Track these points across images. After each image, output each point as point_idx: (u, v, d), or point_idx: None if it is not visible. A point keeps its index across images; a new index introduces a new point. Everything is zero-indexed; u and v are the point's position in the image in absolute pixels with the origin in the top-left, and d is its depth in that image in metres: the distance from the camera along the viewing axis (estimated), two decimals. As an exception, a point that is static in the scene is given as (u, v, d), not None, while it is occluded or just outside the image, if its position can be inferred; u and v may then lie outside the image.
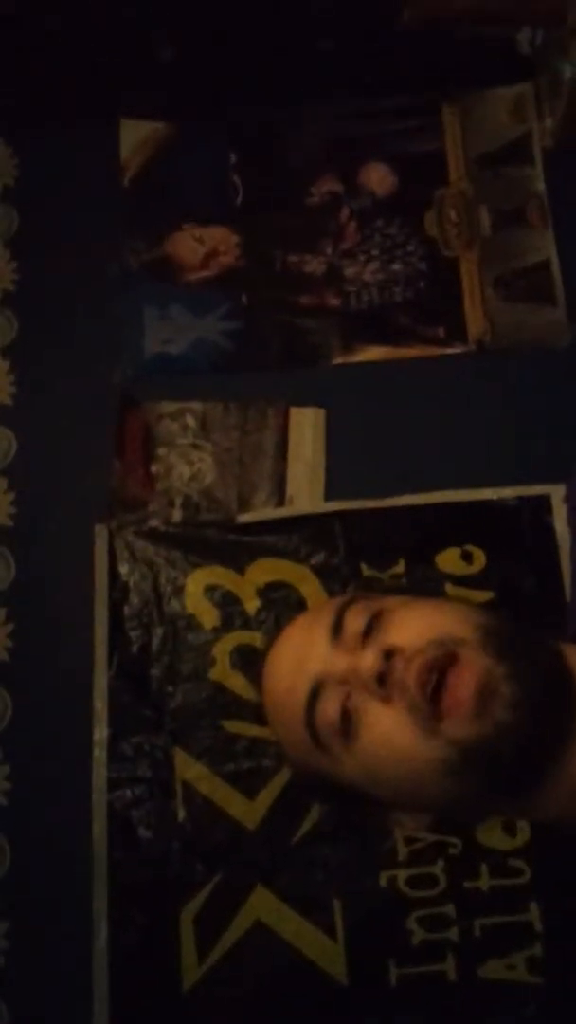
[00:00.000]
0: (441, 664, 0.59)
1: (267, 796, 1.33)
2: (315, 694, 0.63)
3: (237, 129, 1.82)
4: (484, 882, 1.32)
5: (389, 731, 0.60)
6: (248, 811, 1.32)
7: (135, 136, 1.83)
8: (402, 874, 1.32)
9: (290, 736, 0.67)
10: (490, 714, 0.58)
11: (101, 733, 1.37)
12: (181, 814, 1.33)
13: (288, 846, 1.31)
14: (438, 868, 1.32)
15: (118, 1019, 1.27)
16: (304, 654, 0.65)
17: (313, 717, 0.63)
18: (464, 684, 0.58)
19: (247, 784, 1.33)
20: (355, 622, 0.64)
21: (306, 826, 1.32)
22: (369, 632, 0.63)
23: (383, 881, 1.31)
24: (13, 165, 1.80)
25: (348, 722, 0.62)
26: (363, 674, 0.61)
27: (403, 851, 1.32)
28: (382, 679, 0.60)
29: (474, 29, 1.77)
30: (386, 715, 0.61)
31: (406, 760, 0.60)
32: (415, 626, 0.63)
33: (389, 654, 0.60)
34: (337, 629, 0.64)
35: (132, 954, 1.29)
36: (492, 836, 1.32)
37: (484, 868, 1.32)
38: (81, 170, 1.76)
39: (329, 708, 0.62)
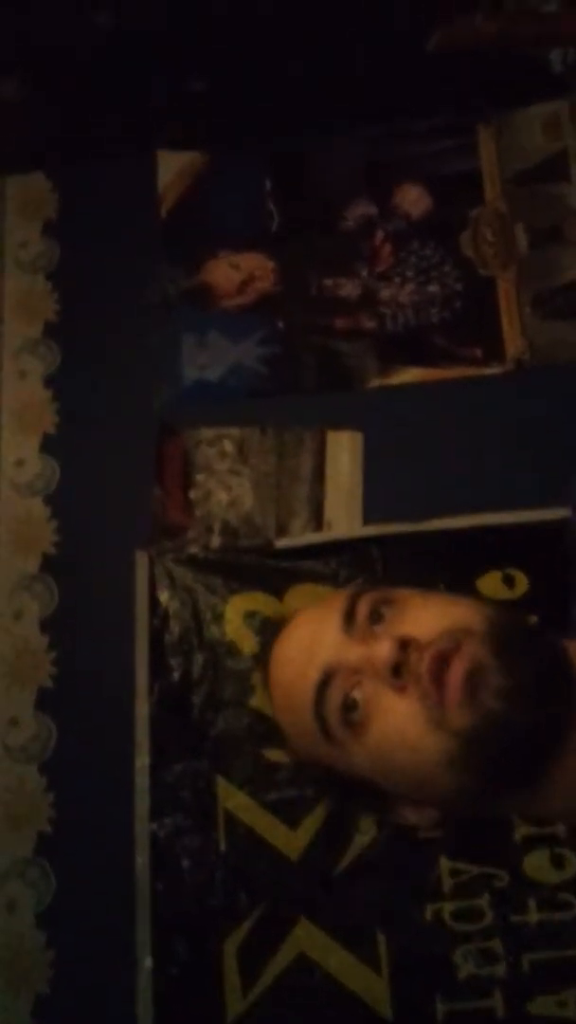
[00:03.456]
0: (448, 655, 0.59)
1: (309, 826, 1.29)
2: (326, 682, 0.62)
3: (271, 156, 1.81)
4: (532, 916, 1.26)
5: (401, 722, 0.59)
6: (290, 841, 1.28)
7: (171, 167, 1.82)
8: (447, 907, 1.26)
9: (297, 724, 0.65)
10: (480, 703, 0.57)
11: (143, 761, 1.34)
12: (223, 844, 1.30)
13: (331, 877, 1.27)
14: (484, 901, 1.27)
15: (163, 1050, 1.24)
16: (315, 641, 0.64)
17: (323, 706, 0.62)
18: (454, 671, 0.58)
19: (289, 813, 1.29)
20: (367, 611, 0.63)
21: (349, 857, 1.27)
22: (379, 620, 0.62)
23: (428, 914, 1.26)
24: (54, 199, 1.81)
25: (359, 712, 0.60)
26: (378, 663, 0.59)
27: (448, 883, 1.27)
28: (397, 669, 0.59)
29: (503, 53, 1.73)
30: (399, 705, 0.59)
31: (415, 751, 0.59)
32: (429, 617, 0.61)
33: (405, 644, 0.59)
34: (350, 618, 0.63)
35: (176, 986, 1.26)
36: (540, 869, 1.27)
37: (532, 902, 1.26)
38: (119, 202, 1.77)
39: (340, 697, 0.61)
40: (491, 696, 0.57)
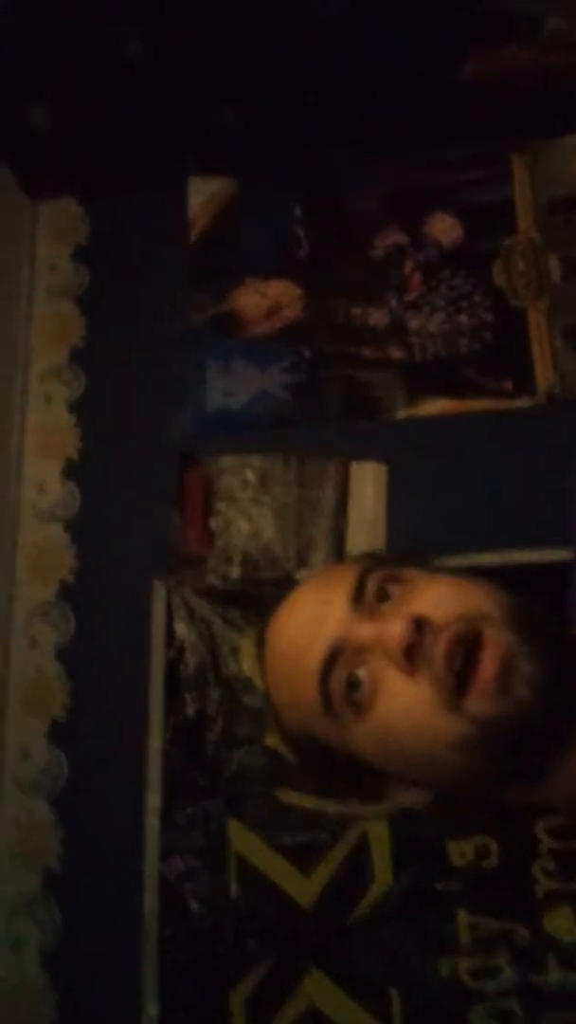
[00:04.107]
0: (467, 639, 0.57)
1: (323, 872, 1.24)
2: (333, 658, 0.60)
3: (302, 183, 1.79)
4: (553, 975, 1.20)
5: (409, 704, 0.58)
6: (303, 888, 1.24)
7: (202, 193, 1.81)
8: (464, 962, 1.21)
9: (297, 698, 0.62)
10: (511, 692, 0.57)
11: (154, 800, 1.31)
12: (234, 889, 1.26)
13: (344, 927, 1.23)
14: (503, 958, 1.21)
15: None
16: (321, 616, 0.62)
17: (328, 682, 0.60)
18: (490, 663, 0.57)
19: (302, 859, 1.25)
20: (375, 588, 0.61)
21: (363, 906, 1.23)
22: (386, 598, 0.61)
23: (443, 969, 1.21)
24: (85, 224, 1.81)
25: (362, 691, 0.59)
26: (389, 644, 0.58)
27: (465, 937, 1.22)
28: (409, 651, 0.57)
29: (537, 83, 1.70)
30: (408, 687, 0.58)
31: (423, 734, 0.58)
32: (441, 597, 0.60)
33: (420, 624, 0.58)
34: (359, 594, 0.61)
35: (182, 1033, 1.21)
36: (562, 926, 1.21)
37: (553, 960, 1.20)
38: (149, 228, 1.76)
39: (346, 674, 0.60)
40: (521, 684, 0.56)
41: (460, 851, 1.22)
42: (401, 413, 1.60)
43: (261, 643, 0.66)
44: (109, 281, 1.74)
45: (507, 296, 1.67)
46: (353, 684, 0.59)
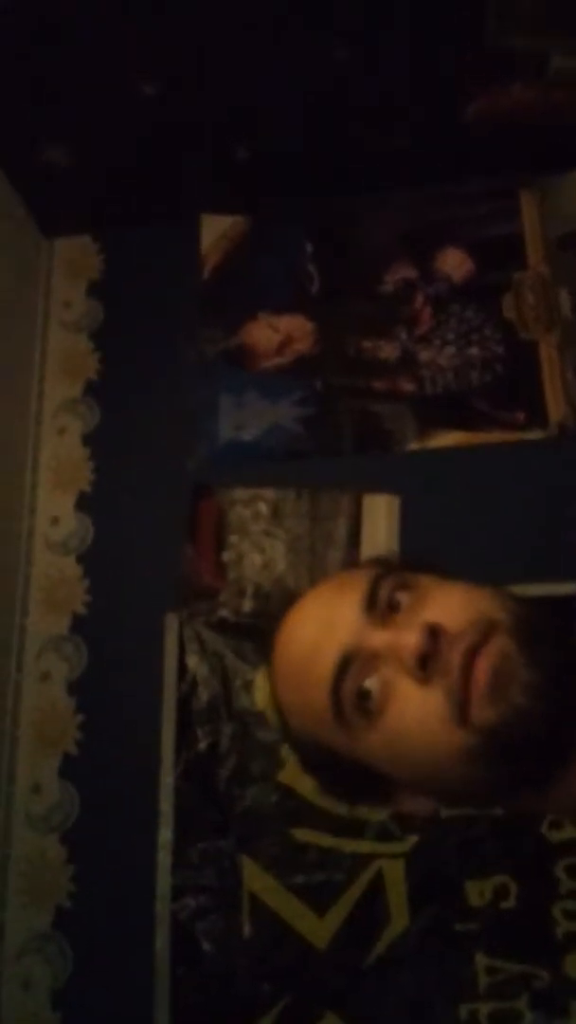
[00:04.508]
0: (478, 648, 0.57)
1: (338, 913, 1.22)
2: (345, 666, 0.60)
3: (313, 219, 1.82)
4: (575, 1021, 1.16)
5: (422, 713, 0.58)
6: (318, 929, 1.22)
7: (214, 230, 1.84)
8: (483, 1008, 1.18)
9: (306, 704, 0.62)
10: (506, 698, 0.56)
11: (166, 836, 1.29)
12: (247, 929, 1.23)
13: (360, 969, 1.20)
14: (523, 1003, 1.18)
15: None
16: (333, 621, 0.62)
17: (340, 689, 0.60)
18: (482, 670, 0.57)
19: (317, 899, 1.22)
20: (388, 595, 0.61)
21: (379, 948, 1.20)
22: (397, 606, 0.60)
23: (463, 1014, 1.18)
24: (100, 260, 1.83)
25: (373, 700, 0.59)
26: (404, 653, 0.58)
27: (484, 981, 1.19)
28: (424, 661, 0.57)
29: (542, 121, 1.72)
30: (420, 696, 0.58)
31: (433, 744, 0.58)
32: (454, 604, 0.60)
33: (434, 632, 0.57)
34: (371, 601, 0.61)
35: (194, 1080, 1.18)
36: None
37: (574, 1005, 1.17)
38: (163, 264, 1.79)
39: (358, 682, 0.59)
40: (517, 691, 0.56)
41: (479, 891, 1.20)
42: (413, 445, 1.60)
43: (271, 647, 0.65)
44: (123, 316, 1.77)
45: (518, 329, 1.67)
46: (364, 693, 0.59)
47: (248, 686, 1.39)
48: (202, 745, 1.35)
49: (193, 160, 1.77)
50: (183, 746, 1.34)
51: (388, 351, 1.69)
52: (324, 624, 0.62)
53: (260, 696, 1.38)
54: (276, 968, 1.21)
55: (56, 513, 1.60)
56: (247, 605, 1.48)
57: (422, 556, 0.67)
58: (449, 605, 0.59)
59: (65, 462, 1.65)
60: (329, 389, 1.68)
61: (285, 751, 1.33)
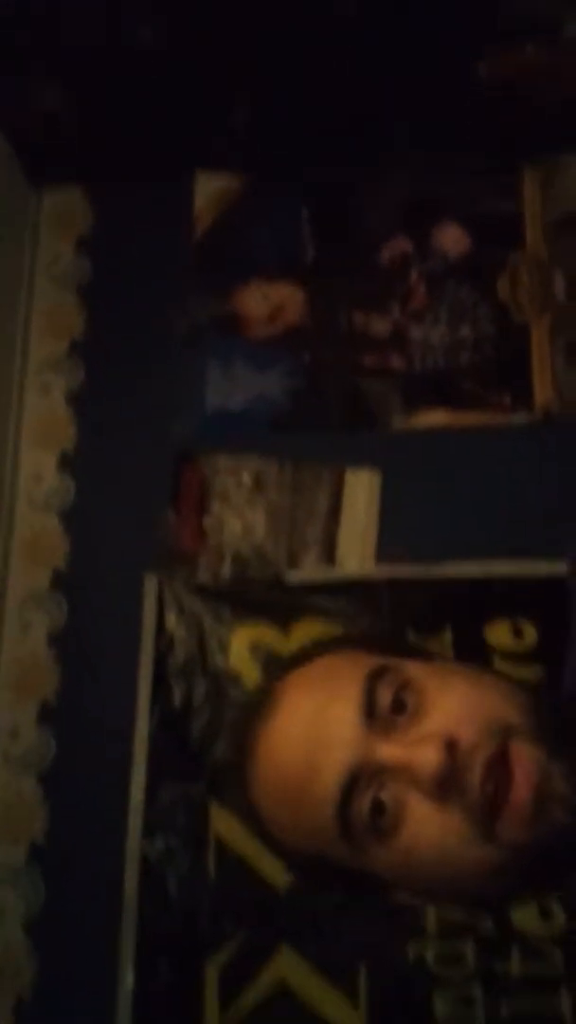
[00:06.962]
0: (499, 761, 0.61)
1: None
2: (352, 785, 0.63)
3: (311, 186, 2.05)
4: (515, 966, 1.47)
5: (440, 835, 0.62)
6: (279, 871, 1.52)
7: (209, 189, 2.08)
8: (431, 949, 1.50)
9: (303, 821, 0.66)
10: (547, 817, 0.60)
11: (139, 778, 1.59)
12: (212, 869, 1.55)
13: (316, 910, 1.50)
14: (468, 947, 1.49)
15: (139, 1068, 1.48)
16: (329, 735, 0.65)
17: (349, 811, 0.63)
18: (524, 788, 0.60)
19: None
20: (389, 699, 0.64)
21: (337, 892, 1.51)
22: (402, 709, 0.64)
23: (411, 953, 1.49)
24: (89, 214, 2.06)
25: (387, 817, 0.63)
26: (420, 773, 0.61)
27: (433, 925, 1.50)
28: (442, 781, 0.61)
29: (551, 88, 1.98)
30: (437, 816, 0.62)
31: (453, 862, 0.62)
32: (463, 709, 0.63)
33: (451, 746, 0.61)
34: (371, 709, 0.64)
35: (156, 1004, 1.50)
36: (526, 919, 1.47)
37: (516, 952, 1.48)
38: (155, 222, 2.01)
39: (368, 801, 0.63)
40: (558, 808, 0.60)
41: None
42: (398, 421, 1.89)
43: (246, 749, 0.68)
44: (112, 274, 1.99)
45: (511, 311, 1.95)
46: (378, 810, 0.62)
47: (224, 648, 1.70)
48: (177, 700, 1.66)
49: (190, 116, 2.01)
50: (158, 699, 1.65)
51: (380, 326, 1.98)
52: (318, 740, 0.64)
53: (234, 657, 1.69)
54: (238, 905, 1.51)
55: (38, 471, 1.88)
56: (226, 570, 1.78)
57: (392, 633, 0.73)
58: (457, 709, 0.62)
59: (48, 421, 1.93)
60: (318, 362, 1.95)
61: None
